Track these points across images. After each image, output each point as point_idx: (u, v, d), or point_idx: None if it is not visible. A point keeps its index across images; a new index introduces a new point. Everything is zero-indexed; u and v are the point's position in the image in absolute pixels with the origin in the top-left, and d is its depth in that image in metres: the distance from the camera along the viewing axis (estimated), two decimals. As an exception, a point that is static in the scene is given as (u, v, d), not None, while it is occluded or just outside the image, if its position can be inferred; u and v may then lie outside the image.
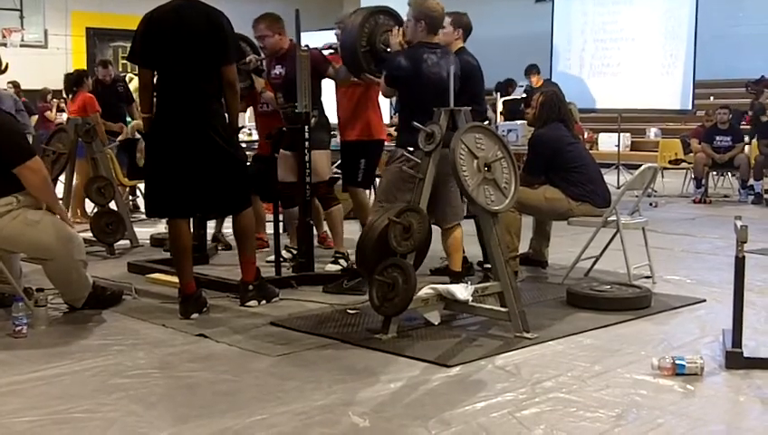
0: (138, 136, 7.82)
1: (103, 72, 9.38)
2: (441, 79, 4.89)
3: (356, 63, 5.31)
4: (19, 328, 4.16)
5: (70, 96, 8.79)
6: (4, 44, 17.90)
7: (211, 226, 6.38)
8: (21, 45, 18.27)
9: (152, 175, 4.72)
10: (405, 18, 5.11)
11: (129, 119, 9.43)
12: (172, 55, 4.52)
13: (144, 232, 7.09)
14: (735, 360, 3.63)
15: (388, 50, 5.14)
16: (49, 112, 13.18)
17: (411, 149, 4.83)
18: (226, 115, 4.69)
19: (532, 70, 12.33)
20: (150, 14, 4.65)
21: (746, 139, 11.16)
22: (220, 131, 4.59)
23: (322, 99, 5.77)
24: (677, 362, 3.55)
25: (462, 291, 4.22)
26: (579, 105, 11.19)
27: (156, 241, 6.88)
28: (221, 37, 4.57)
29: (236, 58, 4.73)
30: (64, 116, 13.10)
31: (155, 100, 4.64)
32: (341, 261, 5.70)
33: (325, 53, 5.85)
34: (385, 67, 5.04)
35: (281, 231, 5.67)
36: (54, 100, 15.78)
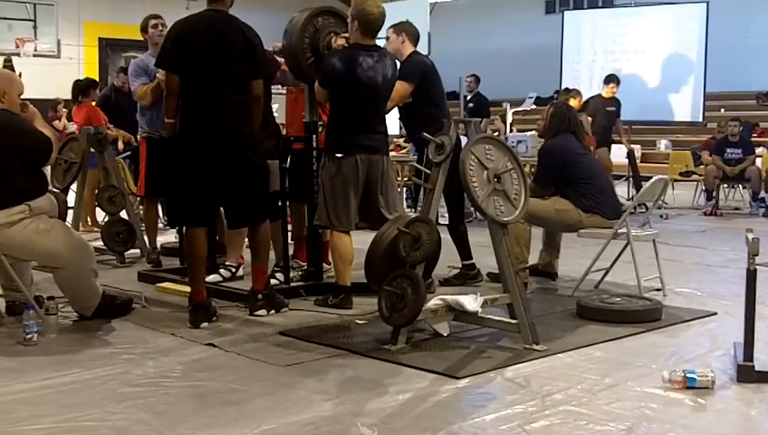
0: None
1: (124, 78, 9.39)
2: (376, 83, 4.86)
3: (301, 74, 5.20)
4: (29, 336, 4.17)
5: (75, 104, 8.81)
6: (18, 54, 18.02)
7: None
8: (34, 55, 18.39)
9: (178, 182, 4.70)
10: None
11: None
12: (205, 63, 4.53)
13: (154, 241, 7.09)
14: (747, 373, 3.61)
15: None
16: (57, 122, 13.27)
17: (340, 155, 4.82)
18: None
19: (612, 79, 10.97)
20: (183, 21, 4.69)
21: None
22: (248, 139, 4.62)
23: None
24: (688, 375, 3.53)
25: (471, 302, 4.22)
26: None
27: (165, 250, 6.90)
28: (253, 51, 4.61)
29: (264, 73, 4.74)
30: (73, 126, 13.08)
31: (181, 106, 4.64)
32: (278, 275, 5.43)
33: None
34: (321, 68, 4.93)
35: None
36: (64, 109, 15.85)
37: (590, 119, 10.14)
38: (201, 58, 4.55)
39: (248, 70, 4.61)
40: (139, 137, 6.58)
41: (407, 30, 5.71)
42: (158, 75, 5.69)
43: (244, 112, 4.64)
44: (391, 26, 5.69)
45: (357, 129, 4.87)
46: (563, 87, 11.62)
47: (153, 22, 6.27)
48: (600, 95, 10.85)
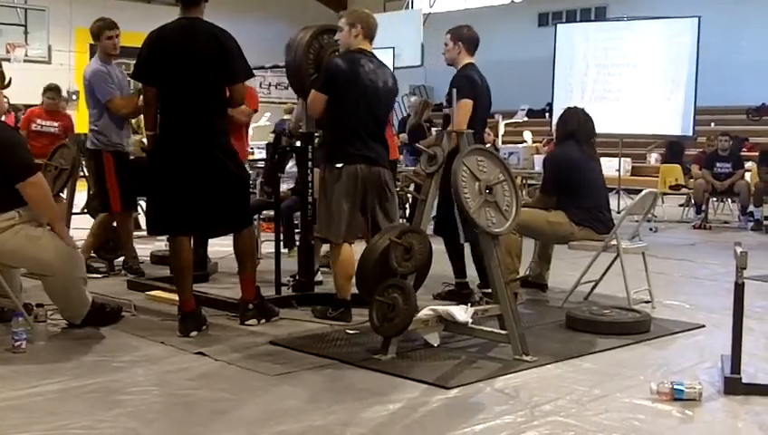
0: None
1: None
2: (376, 88, 4.82)
3: (302, 88, 5.15)
4: (18, 343, 4.16)
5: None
6: (8, 60, 17.97)
7: (212, 243, 6.38)
8: (25, 61, 18.37)
9: (156, 191, 4.74)
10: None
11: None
12: (178, 73, 4.54)
13: (144, 249, 7.08)
14: (734, 386, 3.63)
15: None
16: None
17: (339, 165, 4.75)
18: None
19: None
20: (156, 32, 4.67)
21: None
22: (224, 149, 4.62)
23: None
24: (676, 387, 3.54)
25: (461, 313, 4.23)
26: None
27: (156, 258, 6.89)
28: (227, 56, 4.59)
29: (244, 76, 4.71)
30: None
31: (159, 117, 4.66)
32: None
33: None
34: (322, 72, 4.84)
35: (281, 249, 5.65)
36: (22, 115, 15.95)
37: None
38: (176, 69, 4.55)
39: (225, 77, 4.59)
40: (96, 150, 6.30)
41: (464, 38, 5.45)
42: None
43: (221, 121, 4.64)
44: (449, 31, 5.47)
45: (356, 137, 4.78)
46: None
47: (109, 33, 6.20)
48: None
